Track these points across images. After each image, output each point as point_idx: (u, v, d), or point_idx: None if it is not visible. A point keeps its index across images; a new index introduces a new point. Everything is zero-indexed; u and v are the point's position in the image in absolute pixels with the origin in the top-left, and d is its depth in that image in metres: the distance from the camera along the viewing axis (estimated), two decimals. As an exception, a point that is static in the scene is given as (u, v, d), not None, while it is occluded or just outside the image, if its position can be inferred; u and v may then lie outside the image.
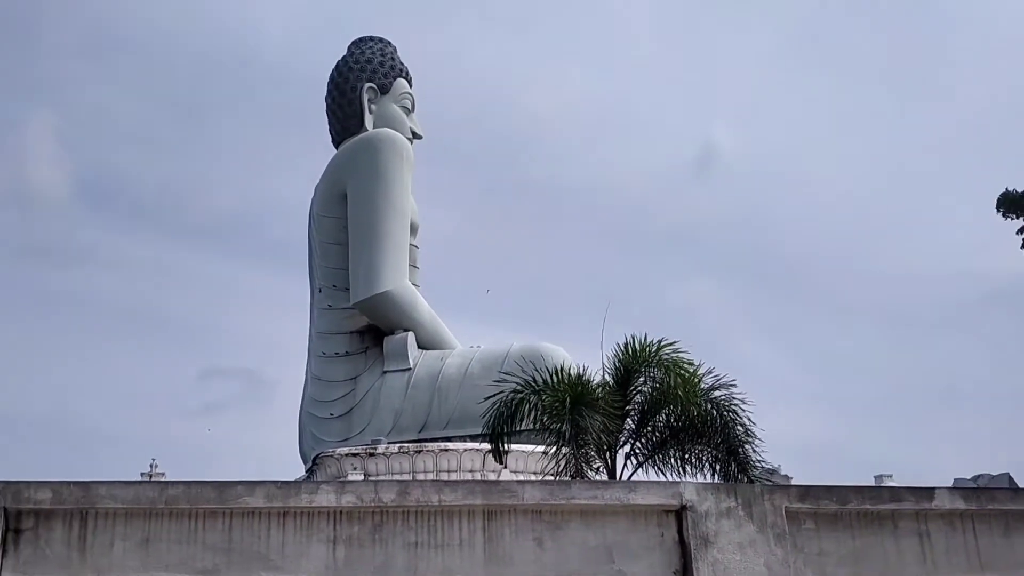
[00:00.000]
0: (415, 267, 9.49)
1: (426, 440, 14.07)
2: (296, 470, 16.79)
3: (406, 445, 15.13)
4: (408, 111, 8.12)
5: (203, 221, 27.10)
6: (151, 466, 27.94)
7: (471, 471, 15.57)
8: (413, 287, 7.46)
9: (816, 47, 30.10)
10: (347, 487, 6.18)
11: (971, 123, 29.85)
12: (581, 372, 13.95)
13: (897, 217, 30.28)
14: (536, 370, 12.59)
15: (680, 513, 6.34)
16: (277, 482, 6.04)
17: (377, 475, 15.08)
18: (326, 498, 6.08)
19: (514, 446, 14.18)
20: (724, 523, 6.23)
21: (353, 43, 8.38)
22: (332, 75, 8.22)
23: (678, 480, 6.37)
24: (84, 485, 5.85)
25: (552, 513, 6.29)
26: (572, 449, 13.09)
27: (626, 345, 14.16)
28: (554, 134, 29.23)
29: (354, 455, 14.50)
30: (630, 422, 13.91)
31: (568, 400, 13.25)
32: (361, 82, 7.88)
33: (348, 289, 7.25)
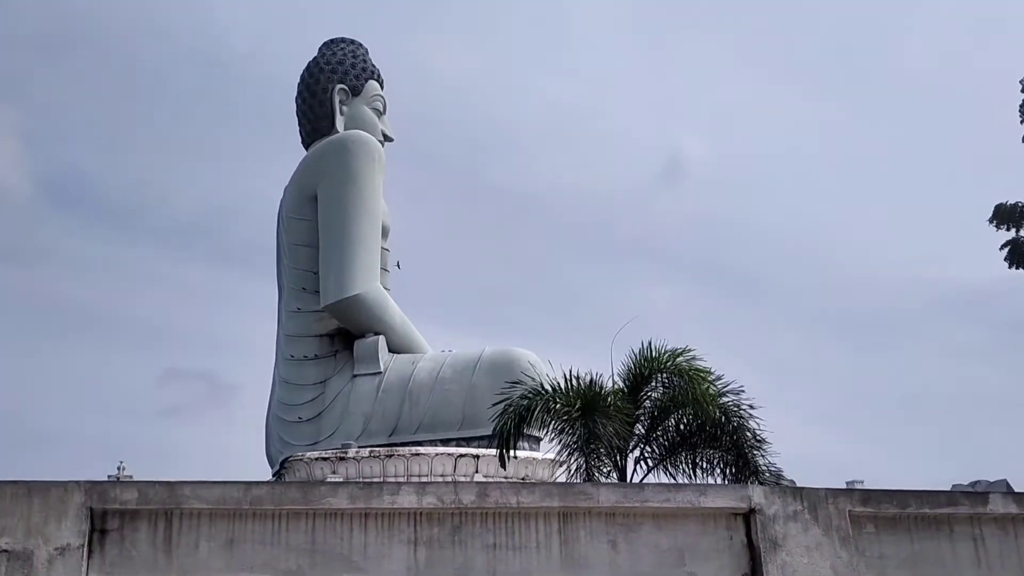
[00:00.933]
0: (385, 270, 9.37)
1: (397, 444, 14.05)
2: (262, 472, 16.60)
3: (377, 449, 15.08)
4: (379, 113, 8.12)
5: (164, 222, 26.74)
6: (119, 468, 27.50)
7: (442, 475, 15.61)
8: (384, 290, 7.44)
9: (775, 57, 30.70)
10: (428, 488, 6.23)
11: (923, 133, 30.75)
12: (594, 378, 14.11)
13: (853, 225, 31.03)
14: (534, 377, 12.71)
15: (748, 516, 6.49)
16: (359, 483, 6.07)
17: (347, 479, 14.97)
18: (407, 499, 6.12)
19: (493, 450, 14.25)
20: (791, 526, 6.40)
21: (324, 44, 8.38)
22: (303, 76, 8.20)
23: (746, 484, 6.51)
24: (169, 485, 5.82)
25: (625, 516, 6.40)
26: (584, 454, 13.23)
27: (640, 351, 14.38)
28: (518, 141, 29.39)
29: (324, 459, 14.28)
30: (639, 427, 14.11)
31: (580, 405, 13.41)
32: (332, 83, 7.88)
33: (317, 292, 7.20)
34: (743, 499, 6.52)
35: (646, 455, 14.32)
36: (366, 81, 8.20)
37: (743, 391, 13.89)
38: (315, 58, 8.35)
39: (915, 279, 30.06)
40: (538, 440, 6.75)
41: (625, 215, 31.60)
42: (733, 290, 31.88)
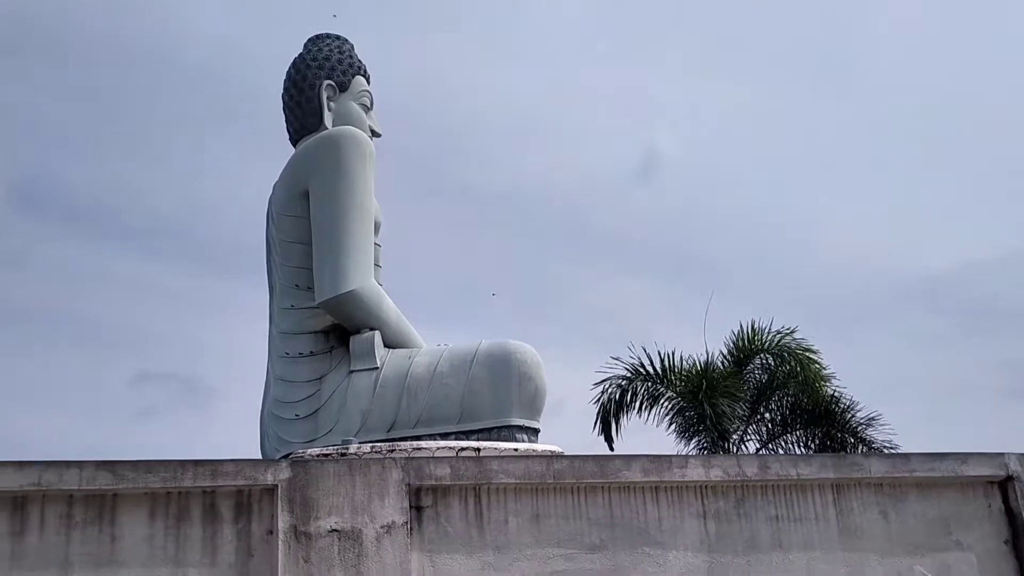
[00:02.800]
0: (378, 266, 9.33)
1: (396, 439, 13.99)
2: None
3: (378, 445, 15.01)
4: (367, 109, 8.10)
5: (134, 224, 26.07)
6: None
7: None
8: (378, 286, 7.38)
9: (745, 51, 30.99)
10: (713, 461, 6.22)
11: (891, 124, 31.39)
12: (709, 359, 14.23)
13: (820, 215, 31.51)
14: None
15: (1004, 484, 6.60)
16: (650, 456, 6.04)
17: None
18: (696, 472, 6.11)
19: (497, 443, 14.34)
20: (1049, 493, 6.51)
21: (310, 40, 8.34)
22: (288, 73, 8.15)
23: (1001, 453, 6.62)
24: (479, 460, 5.72)
25: (892, 486, 6.48)
26: (707, 434, 13.37)
27: (741, 332, 14.55)
28: (486, 138, 29.15)
29: (325, 456, 14.18)
30: (741, 407, 14.29)
31: (695, 387, 13.53)
32: (319, 80, 7.78)
33: (311, 288, 7.15)
34: (1000, 466, 6.64)
35: (748, 435, 14.51)
36: (353, 77, 8.10)
37: (836, 377, 14.12)
38: (301, 54, 8.26)
39: (883, 269, 30.71)
40: (536, 432, 6.78)
41: (598, 210, 31.64)
42: (704, 282, 32.14)
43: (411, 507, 5.50)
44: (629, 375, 15.71)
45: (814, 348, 14.10)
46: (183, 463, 5.22)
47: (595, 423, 15.64)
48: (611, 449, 13.55)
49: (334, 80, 7.81)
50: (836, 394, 13.56)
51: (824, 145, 31.49)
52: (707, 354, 15.64)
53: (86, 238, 26.96)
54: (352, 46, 8.11)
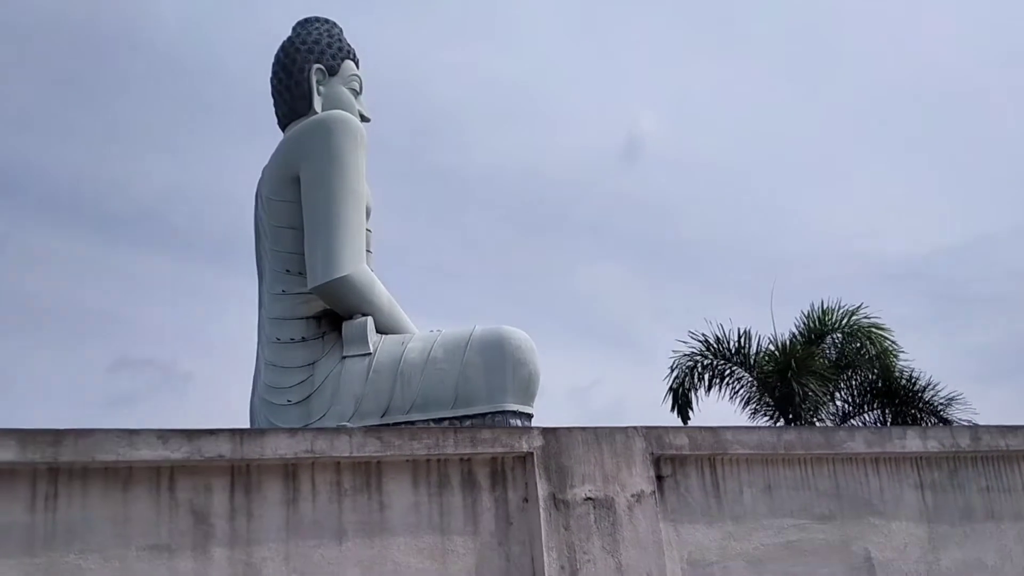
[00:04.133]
0: (369, 251, 9.20)
1: (390, 425, 14.05)
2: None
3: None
4: (356, 93, 8.04)
5: (109, 211, 25.73)
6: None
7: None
8: (371, 271, 7.31)
9: (720, 36, 31.04)
10: (928, 432, 6.22)
11: (866, 110, 31.59)
12: (797, 338, 14.24)
13: (798, 201, 31.70)
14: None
15: None
16: (871, 428, 6.02)
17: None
18: (914, 443, 6.11)
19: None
20: None
21: (298, 24, 8.28)
22: (277, 56, 8.07)
23: None
24: (713, 431, 5.67)
25: (1094, 457, 6.48)
26: (796, 414, 13.41)
27: (811, 311, 14.57)
28: (460, 122, 28.98)
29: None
30: (828, 386, 14.29)
31: (794, 365, 13.50)
32: (309, 63, 7.71)
33: (301, 274, 7.09)
34: None
35: (821, 416, 14.58)
36: (342, 61, 8.00)
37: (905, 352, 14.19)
38: (290, 37, 8.15)
39: (855, 253, 31.01)
40: (530, 417, 6.79)
41: (572, 195, 31.60)
42: (677, 267, 32.24)
43: (655, 476, 5.45)
44: (703, 352, 15.72)
45: (883, 324, 14.17)
46: (444, 430, 5.15)
47: (668, 399, 15.65)
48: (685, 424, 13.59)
49: (323, 64, 7.73)
50: (911, 373, 13.65)
51: (803, 130, 31.61)
52: (774, 334, 15.69)
53: (63, 225, 26.50)
54: (341, 30, 8.06)
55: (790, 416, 15.14)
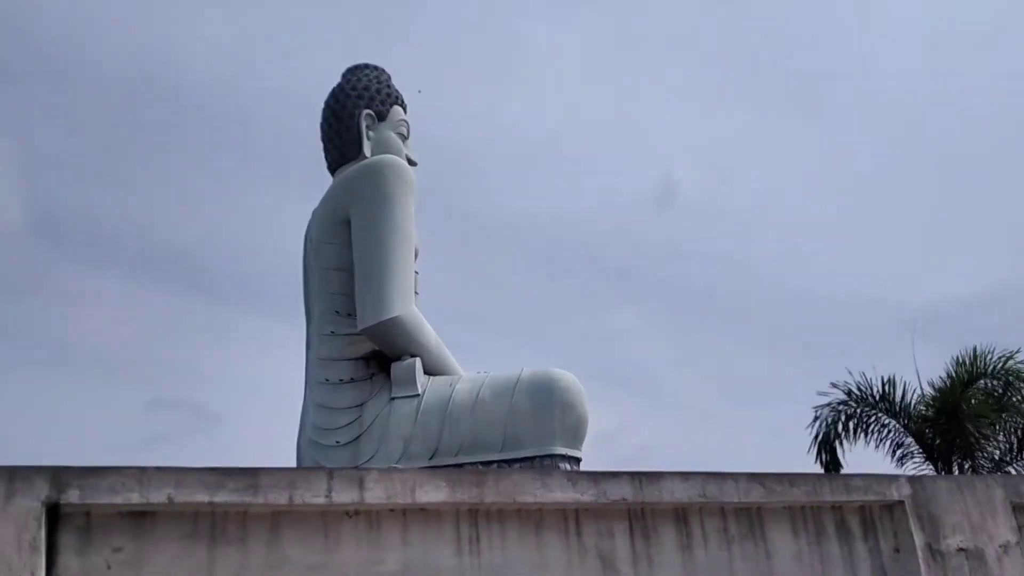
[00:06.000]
0: (416, 293, 9.18)
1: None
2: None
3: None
4: (404, 138, 8.12)
5: (147, 254, 26.08)
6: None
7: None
8: (419, 313, 7.28)
9: (738, 83, 31.06)
10: None
11: (885, 156, 31.41)
12: (951, 382, 14.05)
13: (817, 247, 31.47)
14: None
15: None
16: None
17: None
18: None
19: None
20: None
21: (348, 70, 8.41)
22: (328, 102, 8.25)
23: None
24: None
25: None
26: (944, 461, 13.12)
27: (959, 356, 14.40)
28: (485, 167, 29.10)
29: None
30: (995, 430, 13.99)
31: (961, 409, 13.26)
32: (359, 109, 7.79)
33: (350, 315, 7.06)
34: None
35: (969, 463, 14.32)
36: (391, 106, 8.12)
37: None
38: (340, 84, 8.33)
39: (876, 300, 30.68)
40: (578, 461, 6.63)
41: (600, 240, 31.59)
42: (697, 313, 32.09)
43: (1017, 526, 5.32)
44: (847, 402, 15.54)
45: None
46: (819, 476, 5.07)
47: (813, 448, 15.48)
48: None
49: (373, 109, 7.79)
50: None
51: (820, 176, 31.51)
52: (919, 381, 15.50)
53: (100, 266, 26.95)
54: (389, 76, 8.13)
55: (938, 462, 14.86)
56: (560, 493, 4.52)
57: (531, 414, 6.49)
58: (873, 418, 15.52)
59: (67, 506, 3.80)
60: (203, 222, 27.21)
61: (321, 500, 4.16)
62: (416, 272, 7.27)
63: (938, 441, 13.77)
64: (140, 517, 3.96)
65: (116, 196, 26.28)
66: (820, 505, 5.05)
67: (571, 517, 4.60)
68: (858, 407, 15.50)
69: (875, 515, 5.15)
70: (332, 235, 7.20)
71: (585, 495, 4.56)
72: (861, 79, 31.40)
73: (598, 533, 4.62)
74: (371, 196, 7.08)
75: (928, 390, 15.06)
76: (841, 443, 15.07)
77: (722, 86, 31.19)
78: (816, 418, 15.37)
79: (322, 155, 8.12)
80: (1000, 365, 14.82)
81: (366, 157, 7.47)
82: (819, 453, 15.37)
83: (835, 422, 15.38)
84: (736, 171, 31.55)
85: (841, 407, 15.45)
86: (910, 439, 15.50)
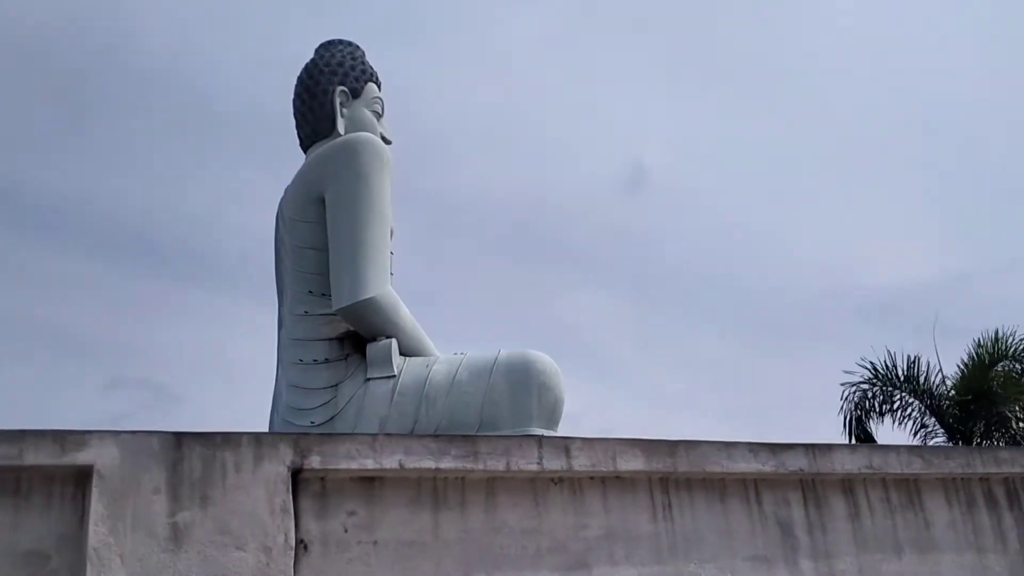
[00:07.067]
0: (391, 273, 9.24)
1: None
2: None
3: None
4: (378, 115, 8.09)
5: (99, 231, 25.85)
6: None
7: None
8: (395, 293, 7.31)
9: (701, 66, 31.34)
10: None
11: (848, 143, 31.92)
12: (972, 363, 14.39)
13: (778, 234, 31.91)
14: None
15: None
16: None
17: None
18: None
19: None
20: None
21: (321, 46, 8.31)
22: (300, 78, 8.15)
23: None
24: None
25: None
26: (965, 441, 13.45)
27: (980, 339, 14.76)
28: (449, 148, 29.02)
29: None
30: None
31: (990, 390, 13.53)
32: (332, 85, 7.74)
33: (324, 295, 7.07)
34: None
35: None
36: (365, 83, 8.04)
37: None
38: (313, 60, 8.23)
39: (835, 285, 31.27)
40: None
41: (567, 223, 31.79)
42: (657, 297, 32.46)
43: None
44: (872, 380, 15.85)
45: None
46: (970, 449, 5.28)
47: (845, 426, 15.79)
48: None
49: (347, 86, 7.71)
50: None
51: (782, 160, 31.89)
52: (939, 363, 15.86)
53: (56, 244, 26.61)
54: (363, 52, 8.07)
55: (959, 443, 15.25)
56: (744, 464, 4.68)
57: (508, 395, 6.49)
58: (897, 397, 15.89)
59: (307, 471, 3.89)
60: (163, 200, 26.87)
61: (534, 467, 4.28)
62: (392, 252, 7.20)
63: (970, 422, 14.17)
64: (369, 483, 4.07)
65: (71, 172, 25.85)
66: (970, 477, 5.25)
67: (751, 486, 4.76)
68: (883, 386, 15.86)
69: (1018, 486, 5.36)
70: (306, 213, 7.08)
71: (766, 465, 4.72)
72: (829, 62, 31.66)
73: (775, 502, 4.78)
74: (347, 174, 6.95)
75: (951, 371, 15.49)
76: (870, 421, 15.44)
77: (692, 70, 31.33)
78: (844, 397, 15.71)
79: (292, 132, 7.91)
80: (1022, 348, 15.24)
81: (340, 135, 7.34)
82: (849, 434, 15.74)
83: (863, 400, 15.73)
84: (705, 156, 31.77)
85: (865, 386, 15.81)
86: (932, 419, 15.90)
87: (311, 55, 7.97)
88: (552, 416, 6.44)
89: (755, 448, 4.75)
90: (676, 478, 4.60)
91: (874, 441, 15.39)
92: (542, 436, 4.41)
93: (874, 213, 31.56)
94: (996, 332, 15.21)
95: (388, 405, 6.51)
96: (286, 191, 7.41)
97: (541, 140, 31.09)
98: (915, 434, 15.65)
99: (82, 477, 3.60)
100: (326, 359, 6.81)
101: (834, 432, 16.14)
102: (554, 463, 4.32)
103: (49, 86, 25.30)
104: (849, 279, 32.16)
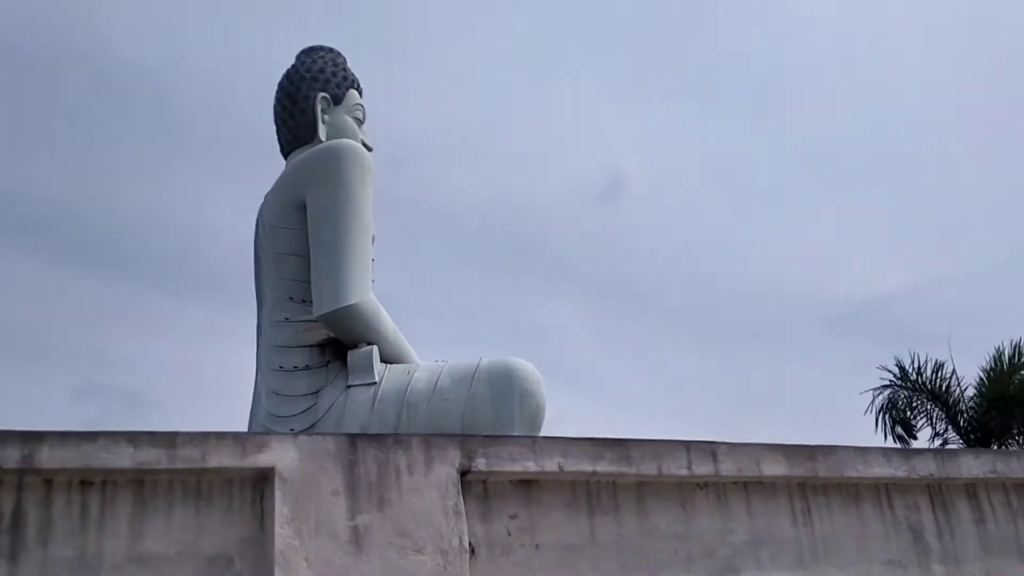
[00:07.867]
0: (373, 280, 9.24)
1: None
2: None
3: None
4: (360, 122, 8.12)
5: (76, 238, 25.67)
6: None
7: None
8: (376, 300, 7.32)
9: (675, 78, 31.60)
10: None
11: (813, 151, 32.26)
12: (995, 371, 14.59)
13: (748, 241, 32.17)
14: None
15: None
16: None
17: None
18: None
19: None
20: None
21: (303, 52, 8.34)
22: (281, 84, 8.16)
23: None
24: None
25: None
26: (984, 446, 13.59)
27: (1000, 349, 14.98)
28: (424, 157, 28.92)
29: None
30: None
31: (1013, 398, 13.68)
32: (314, 92, 7.75)
33: (305, 301, 7.09)
34: None
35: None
36: (347, 90, 8.05)
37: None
38: (294, 65, 8.24)
39: (805, 296, 31.59)
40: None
41: (535, 232, 31.88)
42: (629, 306, 32.64)
43: None
44: (900, 384, 16.00)
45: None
46: (1001, 453, 5.28)
47: (879, 428, 16.02)
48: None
49: (328, 92, 7.68)
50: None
51: (754, 172, 32.09)
52: (954, 370, 16.06)
53: (21, 248, 26.30)
54: (345, 59, 8.07)
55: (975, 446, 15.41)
56: (878, 469, 4.68)
57: (490, 402, 6.45)
58: (919, 402, 16.05)
59: (472, 474, 3.85)
60: (132, 204, 26.55)
61: (684, 472, 4.26)
62: (373, 259, 7.14)
63: (991, 425, 14.36)
64: (527, 485, 4.03)
65: (45, 178, 25.48)
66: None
67: (882, 491, 4.76)
68: (910, 391, 16.05)
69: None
70: (287, 219, 6.99)
71: (899, 471, 4.72)
72: (803, 74, 31.86)
73: (906, 507, 4.78)
74: (328, 181, 6.87)
75: (973, 377, 15.71)
76: (896, 424, 15.59)
77: (666, 81, 31.41)
78: (873, 402, 15.87)
79: (267, 137, 7.78)
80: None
81: (321, 141, 7.26)
82: (885, 436, 15.98)
83: (892, 404, 15.93)
84: (680, 166, 31.88)
85: (891, 390, 15.98)
86: (949, 424, 16.09)
87: (291, 61, 7.87)
88: (534, 423, 6.40)
89: (888, 453, 4.75)
90: (814, 483, 4.59)
91: (907, 443, 15.53)
92: (690, 441, 4.38)
93: (845, 223, 31.82)
94: (1018, 342, 15.49)
95: (369, 412, 6.42)
96: (266, 197, 7.30)
97: (518, 150, 31.11)
98: (933, 440, 15.85)
99: (259, 480, 3.55)
100: (307, 366, 6.70)
101: (829, 436, 16.27)
102: (702, 468, 4.30)
103: (16, 88, 24.95)
104: (820, 289, 32.41)
